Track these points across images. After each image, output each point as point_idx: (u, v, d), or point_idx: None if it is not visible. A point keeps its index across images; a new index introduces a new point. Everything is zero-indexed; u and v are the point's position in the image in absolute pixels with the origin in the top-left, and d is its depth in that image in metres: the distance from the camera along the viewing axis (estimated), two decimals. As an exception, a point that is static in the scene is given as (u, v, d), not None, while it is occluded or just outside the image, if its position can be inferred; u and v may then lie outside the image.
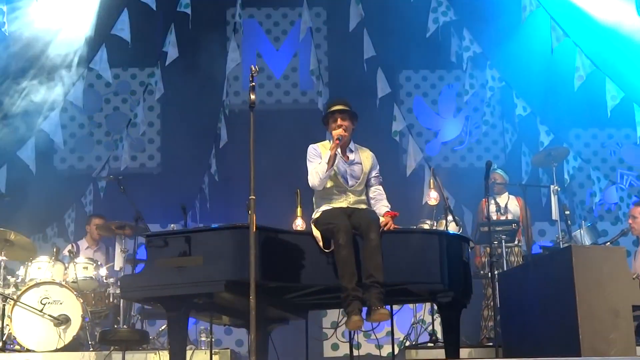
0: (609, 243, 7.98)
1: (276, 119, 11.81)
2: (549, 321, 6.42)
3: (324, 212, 6.41)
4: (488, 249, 9.12)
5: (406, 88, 12.83)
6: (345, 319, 6.21)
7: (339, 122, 6.50)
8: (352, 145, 6.66)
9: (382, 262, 6.08)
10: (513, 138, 12.00)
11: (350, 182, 6.52)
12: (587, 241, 9.12)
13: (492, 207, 8.97)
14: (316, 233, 6.19)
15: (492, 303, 8.08)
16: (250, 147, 5.61)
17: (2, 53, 10.88)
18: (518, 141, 11.93)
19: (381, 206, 6.58)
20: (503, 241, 9.06)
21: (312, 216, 6.51)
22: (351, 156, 6.59)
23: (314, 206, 6.65)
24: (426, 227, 8.80)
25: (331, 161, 6.37)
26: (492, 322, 8.06)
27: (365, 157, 6.66)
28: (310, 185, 6.51)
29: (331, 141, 6.55)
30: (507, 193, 9.88)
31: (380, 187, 6.74)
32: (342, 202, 6.44)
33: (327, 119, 6.63)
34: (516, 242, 9.35)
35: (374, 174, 6.70)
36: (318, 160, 6.48)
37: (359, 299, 6.06)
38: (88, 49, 11.25)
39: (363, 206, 6.53)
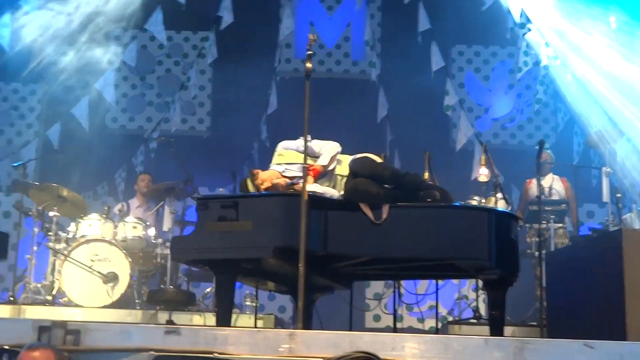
0: (659, 228, 7.87)
1: (327, 88, 11.77)
2: (596, 303, 6.36)
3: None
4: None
5: (458, 62, 12.74)
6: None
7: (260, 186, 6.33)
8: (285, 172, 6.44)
9: None
10: (565, 117, 11.86)
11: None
12: (637, 225, 9.01)
13: (534, 189, 8.88)
14: (366, 209, 6.16)
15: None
16: (305, 116, 5.61)
17: (59, 13, 10.97)
18: (570, 121, 11.79)
19: None
20: (552, 221, 9.01)
21: None
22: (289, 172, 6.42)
23: None
24: (474, 203, 8.74)
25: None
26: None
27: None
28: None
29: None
30: (551, 174, 9.82)
31: None
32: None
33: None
34: (561, 225, 9.30)
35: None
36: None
37: None
38: (143, 10, 11.32)
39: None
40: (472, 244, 6.23)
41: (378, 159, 6.55)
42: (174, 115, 11.86)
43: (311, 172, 6.16)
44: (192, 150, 11.38)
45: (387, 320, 8.95)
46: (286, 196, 6.01)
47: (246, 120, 12.07)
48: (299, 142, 6.33)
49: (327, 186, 6.38)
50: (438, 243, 6.14)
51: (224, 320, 6.00)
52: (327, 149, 6.37)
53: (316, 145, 6.32)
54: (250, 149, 11.94)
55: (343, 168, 6.44)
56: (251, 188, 6.33)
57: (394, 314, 7.37)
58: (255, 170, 6.42)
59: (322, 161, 6.30)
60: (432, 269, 6.69)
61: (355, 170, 6.34)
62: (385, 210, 6.08)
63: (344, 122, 11.32)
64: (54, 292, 8.31)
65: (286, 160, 6.47)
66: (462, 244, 6.21)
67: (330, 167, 6.36)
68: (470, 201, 8.81)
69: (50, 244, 8.60)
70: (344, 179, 6.40)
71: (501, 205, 8.05)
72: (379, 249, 6.12)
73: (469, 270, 6.62)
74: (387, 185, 6.32)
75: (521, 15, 11.15)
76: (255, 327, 7.49)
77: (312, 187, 6.14)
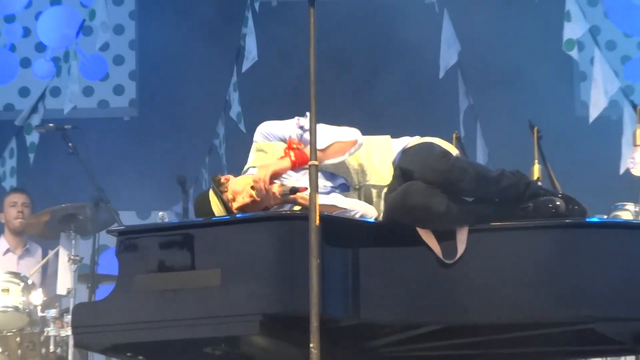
0: None
1: (345, 22, 11.89)
2: None
3: None
4: None
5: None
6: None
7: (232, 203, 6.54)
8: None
9: None
10: None
11: None
12: None
13: None
14: (428, 237, 6.18)
15: None
16: (312, 68, 5.53)
17: None
18: None
19: None
20: None
21: None
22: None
23: None
24: (627, 216, 8.72)
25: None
26: None
27: None
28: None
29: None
30: None
31: None
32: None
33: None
34: None
35: None
36: None
37: None
38: None
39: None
40: (627, 293, 6.28)
41: (450, 147, 6.57)
42: (69, 84, 11.85)
43: (291, 152, 6.33)
44: (105, 143, 11.41)
45: None
46: (281, 220, 6.09)
47: (202, 86, 12.12)
48: (290, 125, 6.52)
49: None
50: (565, 293, 6.19)
51: None
52: (335, 134, 6.45)
53: (321, 131, 6.31)
54: (212, 137, 11.97)
55: (380, 173, 6.50)
56: (217, 208, 6.36)
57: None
58: (224, 177, 6.50)
59: (319, 144, 6.23)
60: (555, 342, 6.76)
61: (408, 170, 6.35)
62: (462, 238, 6.15)
63: (380, 79, 11.34)
64: None
65: (271, 160, 6.53)
66: (608, 294, 6.27)
67: (330, 161, 6.41)
68: (619, 213, 8.83)
69: None
70: (384, 190, 6.48)
71: (674, 219, 8.08)
72: (455, 311, 6.20)
73: (624, 340, 6.59)
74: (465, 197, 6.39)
75: None
76: None
77: (329, 199, 6.21)
